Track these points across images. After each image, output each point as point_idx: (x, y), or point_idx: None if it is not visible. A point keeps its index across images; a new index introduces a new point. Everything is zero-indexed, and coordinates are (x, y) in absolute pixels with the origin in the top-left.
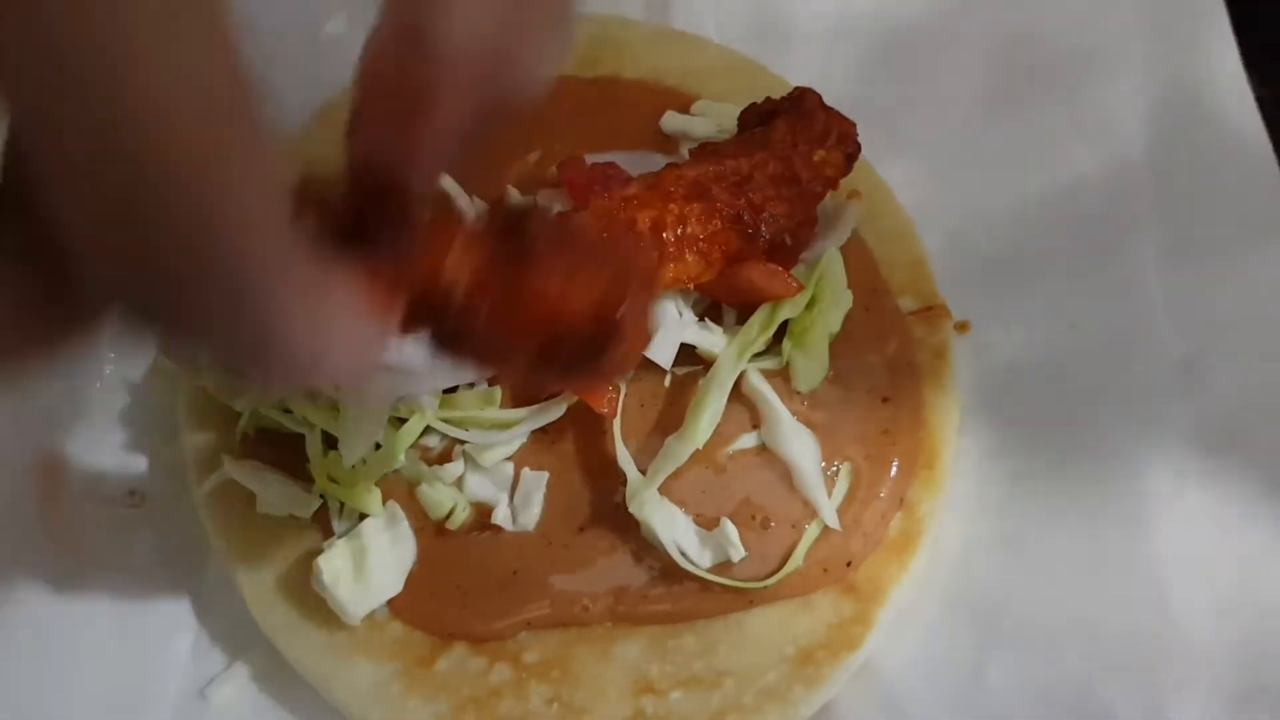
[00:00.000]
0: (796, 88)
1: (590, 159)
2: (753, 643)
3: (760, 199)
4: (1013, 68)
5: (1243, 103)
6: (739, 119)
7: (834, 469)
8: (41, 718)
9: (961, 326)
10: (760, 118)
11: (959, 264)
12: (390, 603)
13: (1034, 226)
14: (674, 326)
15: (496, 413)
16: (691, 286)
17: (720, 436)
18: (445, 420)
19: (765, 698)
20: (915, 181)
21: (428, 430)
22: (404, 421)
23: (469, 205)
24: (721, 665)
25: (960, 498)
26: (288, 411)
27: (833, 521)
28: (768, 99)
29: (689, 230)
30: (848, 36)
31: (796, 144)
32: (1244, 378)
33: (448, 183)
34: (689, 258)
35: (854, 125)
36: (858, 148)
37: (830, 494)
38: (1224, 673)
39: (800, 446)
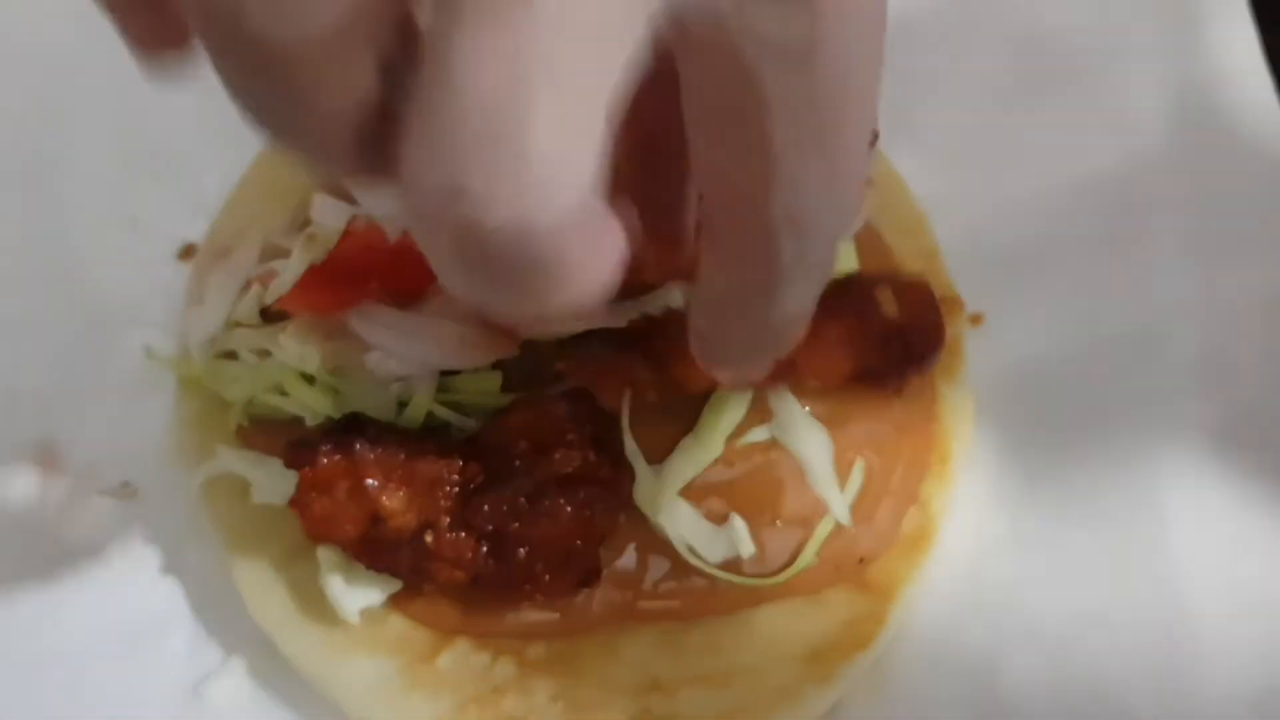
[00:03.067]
0: None
1: None
2: (763, 640)
3: None
4: (1029, 57)
5: (1264, 93)
6: None
7: (847, 464)
8: (32, 714)
9: (975, 320)
10: None
11: (973, 256)
12: (391, 597)
13: (1050, 219)
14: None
15: (498, 396)
16: None
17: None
18: (445, 404)
19: (775, 697)
20: (929, 172)
21: (428, 415)
22: (404, 406)
23: None
24: (731, 663)
25: (974, 494)
26: (284, 395)
27: (845, 518)
28: None
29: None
30: None
31: None
32: (1266, 373)
33: None
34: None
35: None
36: (875, 134)
37: (843, 490)
38: (1244, 673)
39: (813, 442)
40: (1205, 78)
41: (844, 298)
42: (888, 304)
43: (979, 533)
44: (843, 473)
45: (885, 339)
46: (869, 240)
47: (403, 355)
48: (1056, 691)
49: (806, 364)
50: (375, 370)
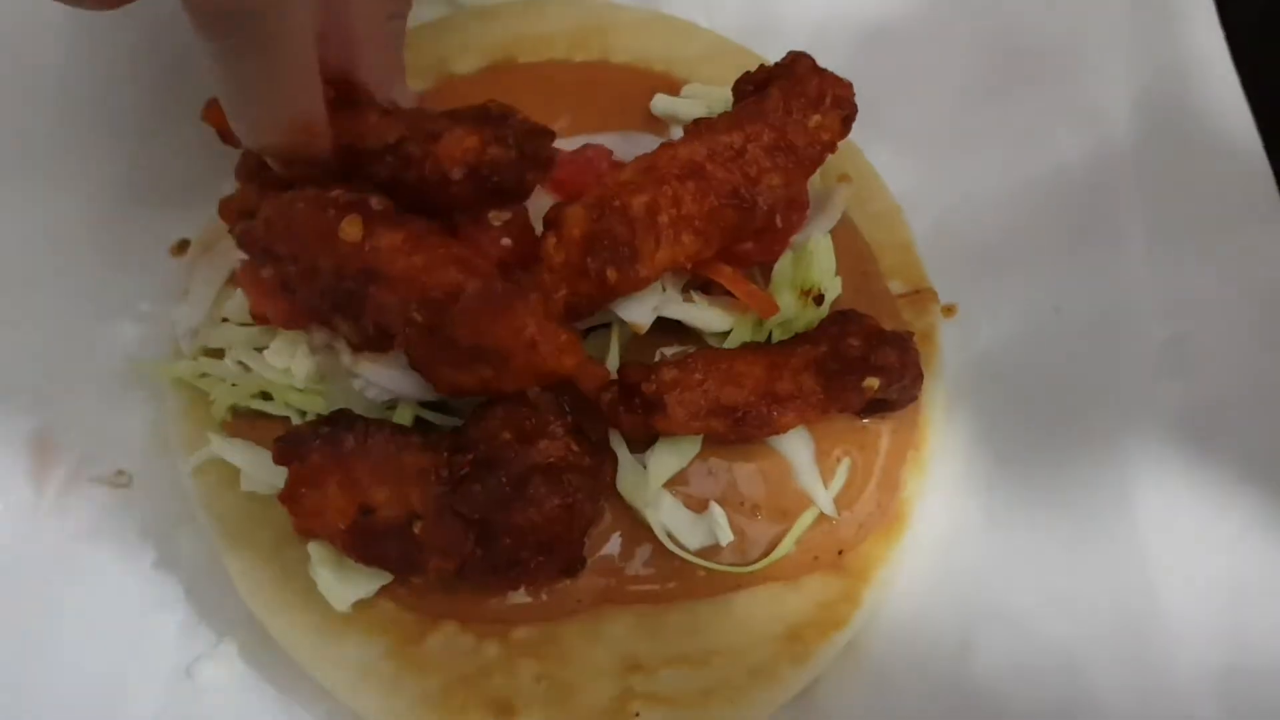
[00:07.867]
0: (789, 52)
1: (582, 140)
2: (741, 621)
3: (756, 171)
4: (999, 54)
5: (1228, 87)
6: (733, 89)
7: (831, 459)
8: (30, 696)
9: (948, 310)
10: (754, 86)
11: (946, 248)
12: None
13: (1020, 211)
14: (653, 296)
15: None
16: (689, 267)
17: None
18: (430, 405)
19: (753, 675)
20: (903, 167)
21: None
22: (392, 407)
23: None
24: (710, 644)
25: (947, 479)
26: (268, 398)
27: (831, 511)
28: (761, 66)
29: (684, 211)
30: (836, 23)
31: (791, 111)
32: (1228, 360)
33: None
34: (685, 239)
35: (850, 86)
36: (854, 109)
37: (829, 484)
38: (1208, 652)
39: (795, 439)
40: (1170, 74)
41: (819, 340)
42: (856, 342)
43: (951, 517)
44: (828, 467)
45: (849, 366)
46: (845, 234)
47: (387, 387)
48: (1026, 670)
49: (779, 393)
50: (361, 393)
